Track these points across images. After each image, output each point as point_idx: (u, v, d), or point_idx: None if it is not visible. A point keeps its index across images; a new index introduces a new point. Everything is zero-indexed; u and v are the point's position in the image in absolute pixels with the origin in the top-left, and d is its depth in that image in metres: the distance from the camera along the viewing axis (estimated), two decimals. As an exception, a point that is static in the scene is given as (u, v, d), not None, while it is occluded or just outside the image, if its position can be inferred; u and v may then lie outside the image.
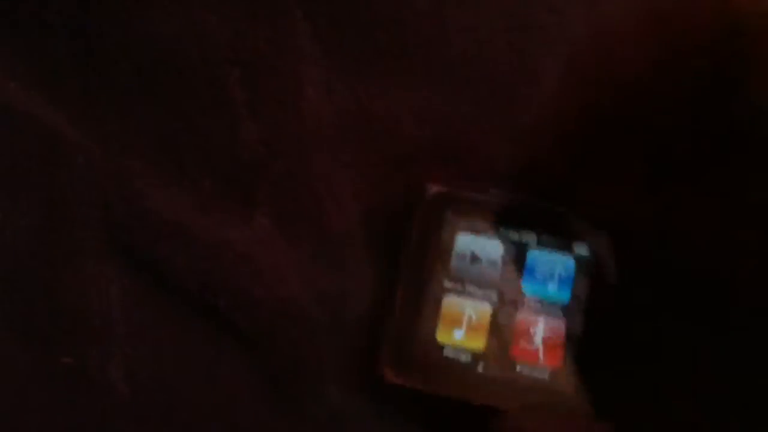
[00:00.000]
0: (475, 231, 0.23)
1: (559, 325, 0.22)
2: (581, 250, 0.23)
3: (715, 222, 0.22)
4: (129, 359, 0.25)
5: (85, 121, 0.26)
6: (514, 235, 0.23)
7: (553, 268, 0.23)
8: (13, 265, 0.26)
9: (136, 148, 0.26)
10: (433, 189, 0.24)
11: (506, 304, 0.23)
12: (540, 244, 0.23)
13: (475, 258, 0.23)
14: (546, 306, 0.23)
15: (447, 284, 0.23)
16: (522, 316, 0.23)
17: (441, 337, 0.22)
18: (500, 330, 0.22)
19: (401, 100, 0.26)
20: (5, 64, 0.27)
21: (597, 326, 0.22)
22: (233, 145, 0.26)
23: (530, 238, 0.23)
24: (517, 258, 0.23)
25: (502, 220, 0.23)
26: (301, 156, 0.26)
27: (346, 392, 0.24)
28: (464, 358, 0.22)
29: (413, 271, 0.23)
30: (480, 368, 0.22)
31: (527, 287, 0.23)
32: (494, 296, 0.23)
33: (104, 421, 0.24)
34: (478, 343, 0.22)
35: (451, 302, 0.23)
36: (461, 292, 0.23)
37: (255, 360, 0.24)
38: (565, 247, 0.23)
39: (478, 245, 0.23)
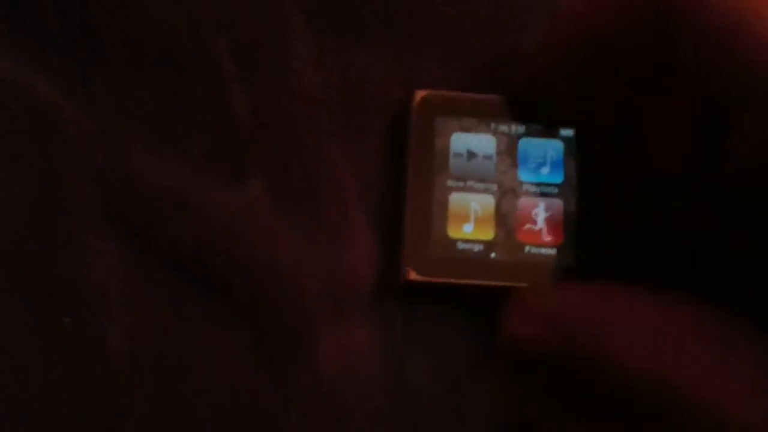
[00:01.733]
0: (468, 130, 0.25)
1: (557, 205, 0.24)
2: (567, 133, 0.25)
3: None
4: (126, 324, 0.25)
5: (77, 95, 0.27)
6: (504, 128, 0.25)
7: (544, 153, 0.25)
8: (9, 235, 0.26)
9: (129, 120, 0.26)
10: (420, 94, 0.25)
11: (507, 193, 0.24)
12: (529, 133, 0.25)
13: (471, 155, 0.25)
14: (542, 189, 0.24)
15: (450, 184, 0.24)
16: (523, 202, 0.24)
17: (452, 233, 0.24)
18: (505, 218, 0.24)
19: (390, 70, 0.27)
20: (3, 39, 0.27)
21: (589, 201, 0.24)
22: (224, 116, 0.26)
23: (519, 129, 0.25)
24: (510, 149, 0.25)
25: (491, 117, 0.25)
26: (290, 126, 0.26)
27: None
28: (476, 248, 0.24)
29: (417, 178, 0.24)
30: (492, 255, 0.24)
31: (523, 174, 0.25)
32: (494, 188, 0.24)
33: (101, 385, 0.25)
34: (487, 233, 0.24)
35: (456, 200, 0.24)
36: (464, 189, 0.24)
37: (247, 322, 0.25)
38: (552, 133, 0.25)
39: (473, 142, 0.25)
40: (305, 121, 0.26)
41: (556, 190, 0.24)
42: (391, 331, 0.25)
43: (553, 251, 0.24)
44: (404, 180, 0.24)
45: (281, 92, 0.27)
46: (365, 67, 0.27)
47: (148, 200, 0.26)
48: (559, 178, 0.24)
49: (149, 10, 0.27)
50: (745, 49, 0.18)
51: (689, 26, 0.19)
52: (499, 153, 0.25)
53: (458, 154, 0.24)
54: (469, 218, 0.24)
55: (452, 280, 0.24)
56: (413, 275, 0.24)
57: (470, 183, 0.24)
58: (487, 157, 0.25)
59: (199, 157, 0.26)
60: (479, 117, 0.25)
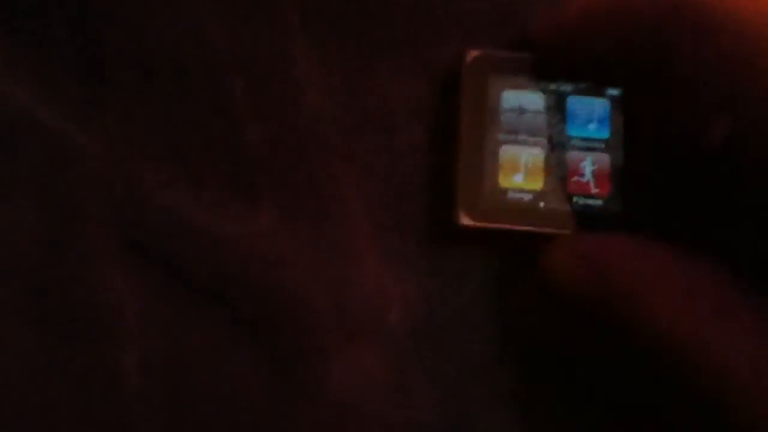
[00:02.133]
0: (518, 87, 0.26)
1: (604, 159, 0.25)
2: (613, 92, 0.26)
3: None
4: (142, 351, 0.26)
5: (91, 125, 0.27)
6: (553, 86, 0.26)
7: (591, 110, 0.26)
8: (27, 264, 0.26)
9: (144, 150, 0.27)
10: (472, 53, 0.26)
11: (555, 147, 0.26)
12: (576, 91, 0.26)
13: (522, 110, 0.26)
14: (589, 143, 0.26)
15: (501, 137, 0.26)
16: (571, 155, 0.26)
17: (504, 182, 0.25)
18: (554, 170, 0.25)
19: (398, 95, 0.28)
20: (10, 69, 0.28)
21: (635, 155, 0.25)
22: (237, 144, 0.27)
23: (567, 87, 0.26)
24: (559, 106, 0.26)
25: (540, 75, 0.26)
26: (302, 153, 0.27)
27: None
28: (526, 197, 0.25)
29: (470, 132, 0.26)
30: (541, 204, 0.25)
31: (571, 129, 0.26)
32: (544, 141, 0.26)
33: (117, 410, 0.25)
34: (537, 183, 0.25)
35: (507, 152, 0.26)
36: (515, 142, 0.26)
37: (263, 347, 0.26)
38: (599, 90, 0.26)
39: (523, 99, 0.26)
40: (316, 148, 0.27)
41: (603, 145, 0.26)
42: (402, 353, 0.26)
43: (599, 202, 0.25)
44: (457, 134, 0.26)
45: (292, 121, 0.28)
46: (375, 93, 0.28)
47: (163, 229, 0.27)
48: (605, 134, 0.26)
49: (163, 41, 0.28)
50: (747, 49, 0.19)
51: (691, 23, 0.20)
52: (548, 109, 0.26)
53: (509, 110, 0.26)
54: (519, 169, 0.25)
55: (502, 226, 0.25)
56: (466, 220, 0.25)
57: (521, 136, 0.26)
58: (537, 113, 0.26)
59: (212, 186, 0.27)
60: (529, 75, 0.26)
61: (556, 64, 0.26)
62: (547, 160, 0.25)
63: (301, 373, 0.26)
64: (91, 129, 0.27)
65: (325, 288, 0.26)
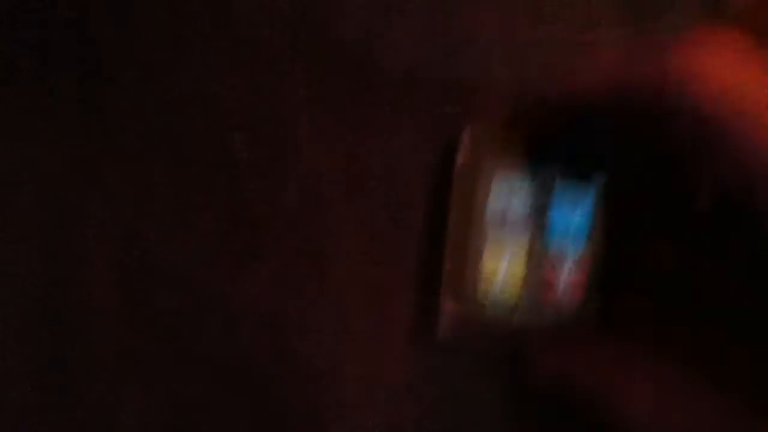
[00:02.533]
0: (509, 169, 0.26)
1: (585, 252, 0.26)
2: (599, 180, 0.26)
3: None
4: (141, 402, 0.26)
5: (94, 183, 0.27)
6: (543, 171, 0.26)
7: (576, 198, 0.26)
8: (29, 321, 0.27)
9: (145, 207, 0.27)
10: (468, 134, 0.26)
11: (539, 237, 0.26)
12: (564, 177, 0.26)
13: (510, 198, 0.26)
14: (572, 235, 0.26)
15: (488, 225, 0.26)
16: (553, 247, 0.26)
17: (488, 271, 0.25)
18: (536, 260, 0.25)
19: (396, 155, 0.28)
20: (12, 127, 0.28)
21: (615, 250, 0.25)
22: (237, 202, 0.28)
23: (556, 172, 0.26)
24: (545, 193, 0.26)
25: (532, 159, 0.26)
26: (302, 211, 0.28)
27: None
28: (508, 287, 0.25)
29: (461, 216, 0.26)
30: (522, 296, 0.25)
31: (555, 219, 0.26)
32: (529, 231, 0.26)
33: None
34: (519, 273, 0.25)
35: (493, 240, 0.25)
36: (501, 230, 0.26)
37: (256, 405, 0.26)
38: (586, 179, 0.26)
39: (512, 185, 0.26)
40: (314, 207, 0.28)
41: (584, 238, 0.26)
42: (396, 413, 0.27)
43: (575, 304, 0.25)
44: (447, 217, 0.26)
45: (291, 180, 0.28)
46: (373, 154, 0.28)
47: (163, 287, 0.27)
48: (587, 225, 0.26)
49: (166, 101, 0.28)
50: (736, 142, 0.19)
51: (684, 108, 0.20)
52: (534, 197, 0.26)
53: (498, 196, 0.26)
54: (505, 253, 0.25)
55: (485, 313, 0.25)
56: (450, 308, 0.25)
57: (507, 225, 0.26)
58: (524, 200, 0.26)
59: (211, 243, 0.27)
60: (520, 158, 0.26)
61: (547, 147, 0.26)
62: (530, 249, 0.25)
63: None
64: (95, 187, 0.27)
65: (318, 348, 0.27)
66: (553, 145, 0.26)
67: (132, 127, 0.28)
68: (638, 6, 0.29)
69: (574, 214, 0.26)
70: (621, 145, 0.24)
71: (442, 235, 0.26)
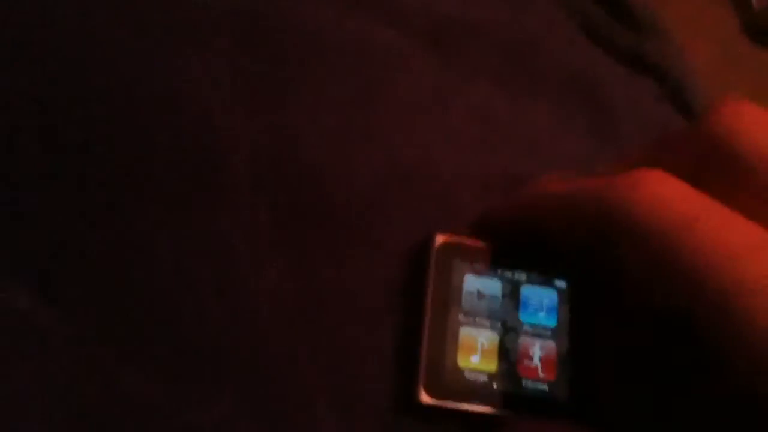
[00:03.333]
0: (479, 273, 0.28)
1: (551, 345, 0.28)
2: (561, 284, 0.29)
3: None
4: None
5: (56, 302, 0.27)
6: (509, 275, 0.28)
7: (541, 299, 0.28)
8: None
9: (107, 332, 0.27)
10: (441, 239, 0.28)
11: (509, 331, 0.28)
12: (529, 280, 0.28)
13: (481, 295, 0.28)
14: (539, 330, 0.28)
15: (461, 318, 0.27)
16: (522, 340, 0.28)
17: (461, 362, 0.27)
18: (507, 353, 0.27)
19: (358, 279, 0.29)
20: None
21: (578, 344, 0.28)
22: (200, 330, 0.27)
23: (521, 276, 0.28)
24: (513, 293, 0.28)
25: (498, 263, 0.28)
26: (263, 339, 0.28)
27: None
28: (481, 378, 0.27)
29: (434, 312, 0.27)
30: (494, 385, 0.27)
31: (523, 316, 0.28)
32: (499, 325, 0.28)
33: None
34: (491, 365, 0.27)
35: (466, 333, 0.27)
36: (474, 324, 0.27)
37: None
38: (549, 282, 0.29)
39: (482, 284, 0.28)
40: (276, 331, 0.28)
41: (550, 332, 0.28)
42: None
43: (545, 387, 0.27)
44: (422, 313, 0.27)
45: (254, 308, 0.28)
46: (335, 275, 0.29)
47: (123, 416, 0.26)
48: (553, 322, 0.28)
49: (129, 229, 0.28)
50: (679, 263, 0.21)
51: (627, 239, 0.22)
52: (504, 295, 0.28)
53: (470, 293, 0.28)
54: (476, 350, 0.27)
55: (459, 406, 0.26)
56: (426, 398, 0.26)
57: (479, 319, 0.28)
58: (494, 298, 0.28)
59: (174, 374, 0.27)
60: (488, 262, 0.28)
61: (513, 253, 0.28)
62: (501, 343, 0.27)
63: None
64: (58, 310, 0.27)
65: None
66: (517, 254, 0.29)
67: (97, 257, 0.28)
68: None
69: (541, 312, 0.28)
70: (576, 259, 0.26)
71: (412, 336, 0.27)
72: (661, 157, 0.24)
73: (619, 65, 0.37)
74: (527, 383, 0.27)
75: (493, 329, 0.27)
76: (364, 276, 0.29)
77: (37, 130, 0.29)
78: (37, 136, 0.29)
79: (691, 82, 0.39)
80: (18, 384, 0.25)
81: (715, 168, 0.23)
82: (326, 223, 0.29)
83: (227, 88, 0.31)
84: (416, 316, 0.27)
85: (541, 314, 0.28)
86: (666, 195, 0.22)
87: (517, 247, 0.28)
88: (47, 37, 0.30)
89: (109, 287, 0.27)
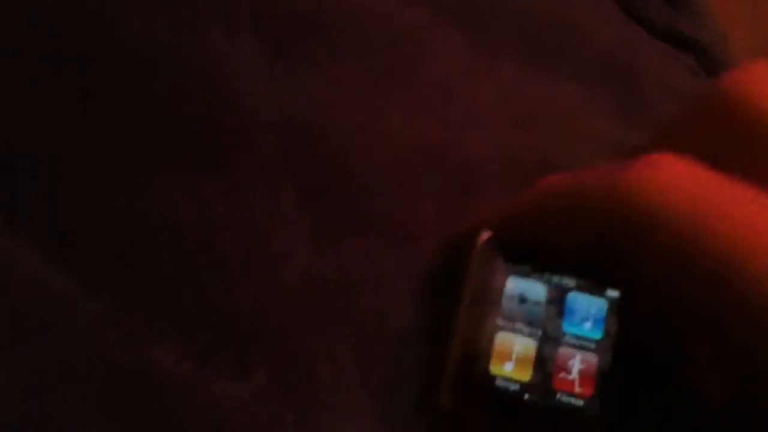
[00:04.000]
0: (523, 275, 0.26)
1: (592, 359, 0.26)
2: (613, 293, 0.26)
3: None
4: None
5: (84, 279, 0.27)
6: (556, 279, 0.26)
7: (589, 309, 0.26)
8: (13, 417, 0.26)
9: (137, 306, 0.27)
10: (485, 235, 0.27)
11: (549, 340, 0.26)
12: (577, 287, 0.26)
13: (523, 299, 0.26)
14: (581, 342, 0.26)
15: (499, 322, 0.26)
16: (562, 351, 0.26)
17: (493, 369, 0.25)
18: (543, 363, 0.25)
19: (383, 261, 0.29)
20: (14, 232, 0.28)
21: (624, 360, 0.26)
22: (229, 303, 0.27)
23: (569, 282, 0.26)
24: (558, 300, 0.26)
25: (546, 267, 0.26)
26: (293, 314, 0.28)
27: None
28: (513, 387, 0.25)
29: (470, 311, 0.26)
30: (526, 396, 0.25)
31: (566, 325, 0.26)
32: (539, 333, 0.26)
33: None
34: (525, 374, 0.25)
35: (502, 338, 0.26)
36: (511, 330, 0.26)
37: None
38: (599, 290, 0.26)
39: (526, 288, 0.26)
40: (306, 310, 0.28)
41: (594, 345, 0.26)
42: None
43: (581, 402, 0.25)
44: (456, 310, 0.26)
45: (281, 281, 0.28)
46: (360, 259, 0.29)
47: (153, 386, 0.26)
48: (598, 334, 0.26)
49: (156, 199, 0.29)
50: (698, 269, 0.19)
51: (641, 244, 0.21)
52: (547, 302, 0.26)
53: (511, 297, 0.26)
54: (511, 357, 0.25)
55: (483, 415, 0.25)
56: (447, 403, 0.25)
57: (518, 325, 0.26)
58: (537, 304, 0.26)
59: (205, 348, 0.27)
60: (534, 265, 0.26)
61: (563, 258, 0.26)
62: (538, 352, 0.26)
63: None
64: (87, 285, 0.27)
65: None
66: (567, 259, 0.26)
67: (122, 226, 0.28)
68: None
69: (586, 322, 0.26)
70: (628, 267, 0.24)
71: (442, 331, 0.26)
72: (676, 134, 0.23)
73: (655, 41, 0.36)
74: (561, 397, 0.25)
75: (532, 336, 0.26)
76: (389, 256, 0.28)
77: (74, 100, 0.30)
78: (72, 105, 0.30)
79: (730, 57, 0.38)
80: (47, 356, 0.26)
81: (731, 133, 0.21)
82: (351, 203, 0.29)
83: (254, 66, 0.30)
84: (449, 312, 0.26)
85: (587, 324, 0.26)
86: (679, 177, 0.20)
87: (567, 252, 0.26)
88: (81, 24, 0.31)
89: (136, 261, 0.28)
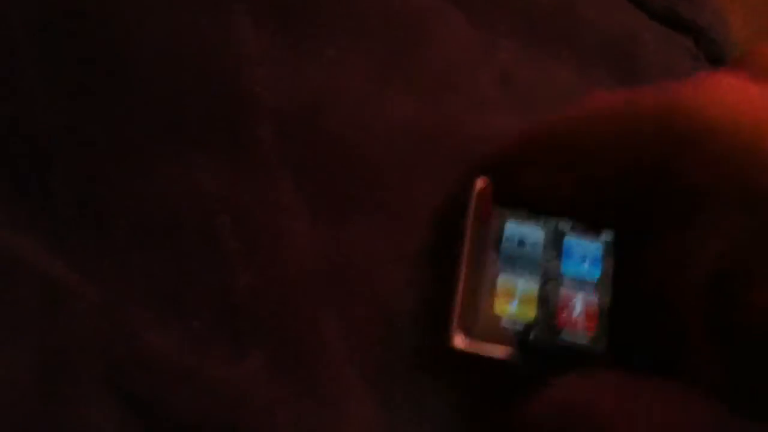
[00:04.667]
0: (520, 220, 0.27)
1: (593, 298, 0.26)
2: (607, 236, 0.27)
3: None
4: None
5: (82, 268, 0.27)
6: (553, 223, 0.27)
7: (585, 251, 0.27)
8: (12, 411, 0.26)
9: (133, 292, 0.27)
10: (481, 183, 0.28)
11: (550, 281, 0.27)
12: (573, 230, 0.27)
13: (521, 242, 0.27)
14: (581, 282, 0.27)
15: (500, 265, 0.27)
16: (563, 291, 0.27)
17: (498, 309, 0.26)
18: (546, 303, 0.26)
19: (380, 244, 0.29)
20: (11, 221, 0.28)
21: (622, 298, 0.26)
22: (227, 286, 0.28)
23: (566, 225, 0.27)
24: (556, 242, 0.27)
25: (542, 211, 0.27)
26: (290, 296, 0.28)
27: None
28: (518, 326, 0.26)
29: (472, 256, 0.27)
30: (531, 335, 0.26)
31: (565, 266, 0.27)
32: (539, 275, 0.27)
33: None
34: (529, 313, 0.26)
35: (504, 280, 0.27)
36: (513, 272, 0.27)
37: None
38: (594, 232, 0.27)
39: (524, 232, 0.27)
40: (302, 293, 0.28)
41: (592, 285, 0.27)
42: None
43: (585, 339, 0.26)
44: (459, 256, 0.27)
45: (279, 266, 0.28)
46: (358, 244, 0.29)
47: (151, 373, 0.26)
48: (596, 274, 0.27)
49: (153, 186, 0.29)
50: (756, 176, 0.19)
51: (696, 155, 0.20)
52: (546, 244, 0.27)
53: (510, 240, 0.27)
54: (514, 298, 0.26)
55: (494, 353, 0.26)
56: (460, 342, 0.25)
57: (518, 267, 0.27)
58: (535, 246, 0.27)
59: (203, 330, 0.27)
60: (530, 209, 0.27)
61: (557, 201, 0.27)
62: (540, 292, 0.26)
63: None
64: (83, 272, 0.27)
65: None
66: (562, 202, 0.27)
67: (118, 210, 0.28)
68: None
69: (584, 263, 0.27)
70: (626, 205, 0.25)
71: (444, 287, 0.27)
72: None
73: (654, 24, 0.36)
74: (566, 335, 0.26)
75: (533, 278, 0.26)
76: (388, 241, 0.29)
77: (69, 89, 0.30)
78: (67, 94, 0.30)
79: (729, 40, 0.38)
80: (46, 345, 0.26)
81: None
82: (350, 189, 0.29)
83: (252, 51, 0.31)
84: (450, 265, 0.27)
85: (584, 266, 0.27)
86: (737, 88, 0.20)
87: (562, 194, 0.27)
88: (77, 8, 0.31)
89: (133, 249, 0.28)
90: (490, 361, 0.26)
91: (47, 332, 0.27)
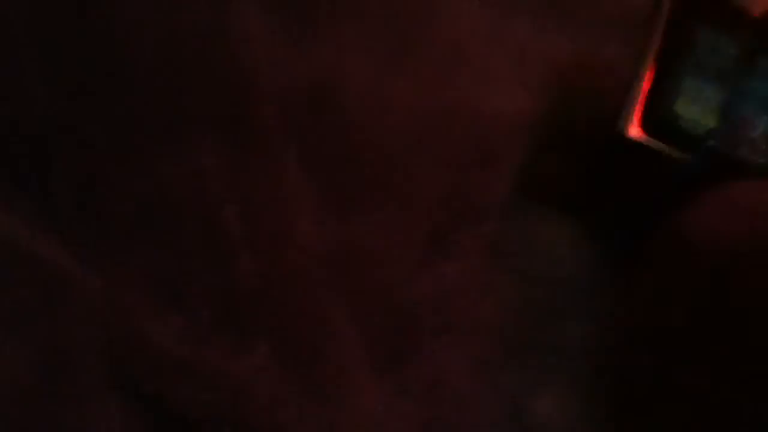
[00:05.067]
0: (718, 29, 0.27)
1: None
2: None
3: None
4: None
5: (88, 259, 0.28)
6: (753, 40, 0.26)
7: None
8: (17, 401, 0.26)
9: (137, 283, 0.28)
10: None
11: (737, 95, 0.26)
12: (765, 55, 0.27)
13: (714, 51, 0.27)
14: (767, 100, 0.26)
15: (689, 69, 0.26)
16: (749, 107, 0.26)
17: (680, 109, 0.26)
18: (729, 115, 0.26)
19: (387, 232, 0.28)
20: (12, 210, 0.29)
21: None
22: (230, 277, 0.27)
23: (764, 43, 0.27)
24: (751, 58, 0.26)
25: (743, 26, 0.27)
26: (295, 287, 0.27)
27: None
28: (697, 129, 0.26)
29: (662, 52, 0.27)
30: (710, 142, 0.26)
31: (756, 84, 0.26)
32: (727, 86, 0.26)
33: None
34: (709, 120, 0.26)
35: (691, 83, 0.26)
36: (701, 77, 0.26)
37: None
38: None
39: (719, 41, 0.27)
40: (307, 282, 0.28)
41: None
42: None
43: (762, 159, 0.26)
44: (646, 52, 0.27)
45: (284, 255, 0.28)
46: (367, 231, 0.28)
47: (155, 367, 0.27)
48: None
49: (154, 183, 0.29)
50: None
51: None
52: (739, 59, 0.26)
53: (703, 46, 0.26)
54: (698, 102, 0.26)
55: (666, 149, 0.26)
56: (633, 133, 0.26)
57: (706, 74, 0.26)
58: (728, 58, 0.26)
59: (206, 323, 0.27)
60: (732, 22, 0.26)
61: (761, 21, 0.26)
62: (725, 103, 0.26)
63: None
64: (88, 263, 0.28)
65: (316, 428, 0.26)
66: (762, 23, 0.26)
67: (124, 201, 0.29)
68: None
69: None
70: None
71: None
72: None
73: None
74: (744, 150, 0.26)
75: (720, 88, 0.26)
76: (397, 227, 0.27)
77: (70, 77, 0.30)
78: (68, 82, 0.30)
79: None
80: (50, 334, 0.26)
81: None
82: (359, 174, 0.29)
83: (256, 33, 0.30)
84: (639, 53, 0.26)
85: None
86: None
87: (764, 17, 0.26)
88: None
89: (135, 238, 0.28)
90: (659, 157, 0.26)
91: (50, 319, 0.27)
